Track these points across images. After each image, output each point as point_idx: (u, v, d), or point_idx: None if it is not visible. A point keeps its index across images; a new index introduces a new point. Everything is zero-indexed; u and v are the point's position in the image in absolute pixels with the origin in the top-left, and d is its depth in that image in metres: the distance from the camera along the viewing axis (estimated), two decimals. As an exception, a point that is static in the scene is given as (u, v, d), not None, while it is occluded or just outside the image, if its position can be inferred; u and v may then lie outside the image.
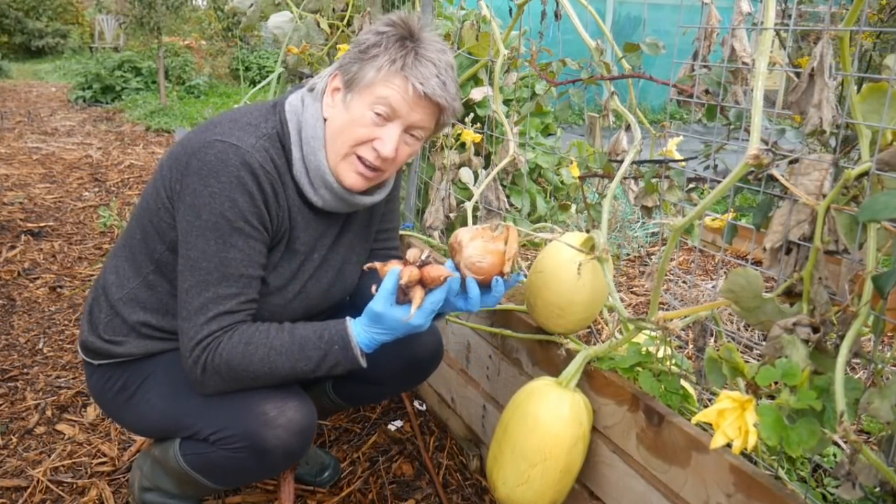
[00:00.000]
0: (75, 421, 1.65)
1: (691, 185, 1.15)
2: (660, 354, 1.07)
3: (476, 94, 1.52)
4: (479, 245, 0.97)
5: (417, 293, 0.94)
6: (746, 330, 1.85)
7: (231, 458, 1.01)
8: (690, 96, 1.06)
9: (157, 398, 1.09)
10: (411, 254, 0.96)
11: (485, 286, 1.00)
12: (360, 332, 0.98)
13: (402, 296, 0.95)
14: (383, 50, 0.97)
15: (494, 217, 1.46)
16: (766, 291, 0.87)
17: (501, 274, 0.98)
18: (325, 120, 1.04)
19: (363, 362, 0.99)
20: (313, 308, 1.14)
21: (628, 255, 2.60)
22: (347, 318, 0.99)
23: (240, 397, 1.00)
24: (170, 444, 1.09)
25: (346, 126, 1.00)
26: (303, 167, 1.04)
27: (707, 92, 1.04)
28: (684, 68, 1.11)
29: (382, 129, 0.99)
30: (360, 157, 1.02)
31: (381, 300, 0.95)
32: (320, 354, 0.97)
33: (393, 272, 0.95)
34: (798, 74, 0.86)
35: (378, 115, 0.98)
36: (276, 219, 1.02)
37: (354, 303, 1.23)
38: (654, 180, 1.16)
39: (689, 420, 0.96)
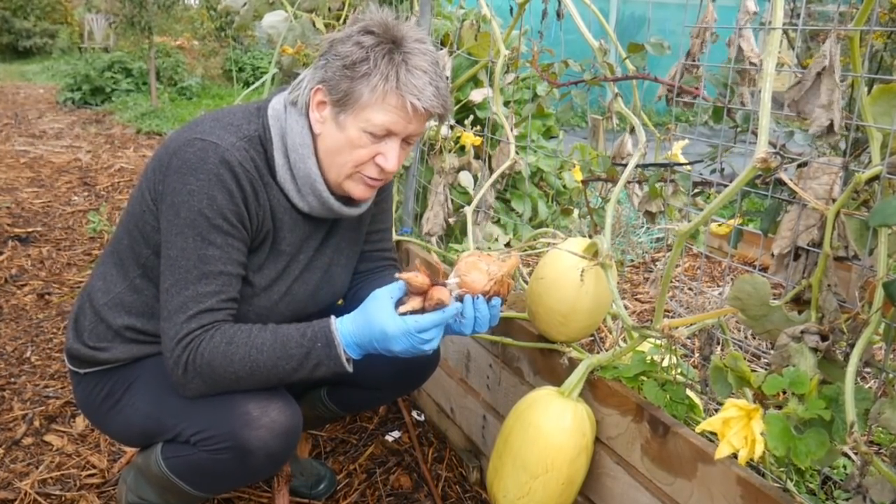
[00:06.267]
0: (64, 432, 1.62)
1: (697, 190, 1.13)
2: (665, 363, 1.05)
3: (476, 95, 1.50)
4: (471, 261, 0.97)
5: (413, 301, 0.93)
6: (754, 338, 1.84)
7: (212, 461, 0.99)
8: (681, 94, 1.04)
9: (141, 401, 1.08)
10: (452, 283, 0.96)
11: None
12: (343, 330, 0.96)
13: (399, 304, 0.95)
14: (373, 67, 0.95)
15: (484, 218, 1.44)
16: (774, 298, 0.85)
17: (485, 294, 0.96)
18: (312, 132, 1.03)
19: (347, 365, 0.96)
20: (301, 311, 1.13)
21: (632, 261, 2.58)
22: (332, 316, 0.98)
23: (223, 397, 0.99)
24: (152, 449, 1.08)
25: (345, 147, 1.00)
26: (288, 173, 1.04)
27: (694, 88, 1.01)
28: (676, 67, 1.09)
29: (382, 145, 1.00)
30: (364, 174, 1.03)
31: (382, 295, 0.95)
32: (303, 352, 0.95)
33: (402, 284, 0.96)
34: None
35: (375, 135, 0.98)
36: (256, 218, 1.01)
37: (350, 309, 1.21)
38: (658, 184, 1.14)
39: (695, 431, 0.94)
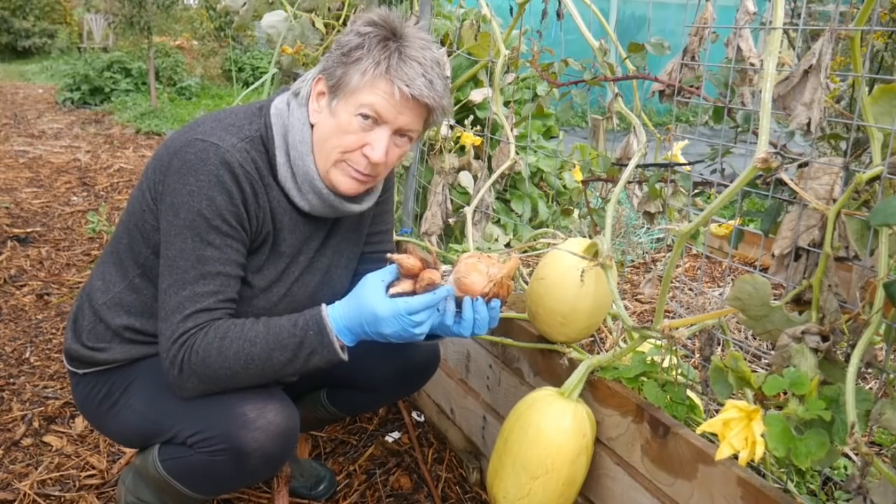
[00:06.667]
0: (63, 432, 1.61)
1: (697, 190, 1.13)
2: (665, 364, 1.05)
3: (476, 95, 1.50)
4: (471, 262, 0.96)
5: (403, 283, 0.93)
6: (755, 339, 1.84)
7: (209, 462, 0.99)
8: (678, 92, 1.04)
9: (138, 403, 1.07)
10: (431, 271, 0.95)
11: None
12: (335, 315, 0.96)
13: (390, 287, 0.94)
14: (366, 52, 0.95)
15: (483, 219, 1.44)
16: (775, 299, 0.85)
17: (484, 296, 0.95)
18: (312, 126, 1.03)
19: (341, 353, 0.96)
20: None
21: (633, 261, 2.58)
22: (323, 304, 0.98)
23: (220, 399, 0.99)
24: (150, 450, 1.07)
25: (334, 133, 0.99)
26: (289, 172, 1.03)
27: (692, 87, 1.01)
28: (672, 64, 1.08)
29: (371, 135, 0.98)
30: (351, 164, 1.01)
31: (373, 278, 0.95)
32: (296, 341, 0.95)
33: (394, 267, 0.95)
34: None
35: (365, 120, 0.97)
36: (256, 219, 1.01)
37: None
38: (658, 185, 1.14)
39: (696, 432, 0.94)
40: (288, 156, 1.03)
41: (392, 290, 0.93)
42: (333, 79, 0.98)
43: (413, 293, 0.93)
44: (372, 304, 0.92)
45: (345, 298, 0.98)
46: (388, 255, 0.95)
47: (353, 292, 0.97)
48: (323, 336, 0.94)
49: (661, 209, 1.15)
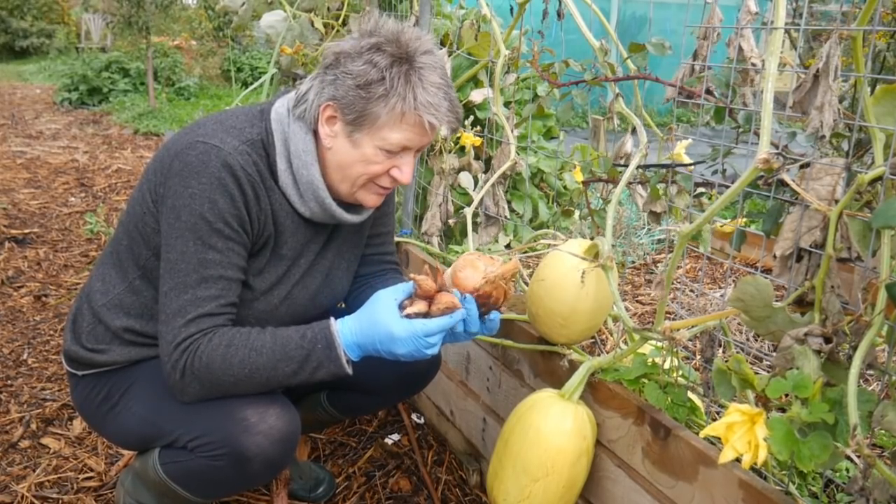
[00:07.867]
0: (61, 434, 1.61)
1: (699, 191, 1.12)
2: (666, 366, 1.05)
3: (476, 96, 1.49)
4: (469, 259, 0.97)
5: (418, 304, 0.93)
6: (756, 340, 1.83)
7: (210, 467, 0.99)
8: (690, 96, 1.04)
9: (138, 406, 1.07)
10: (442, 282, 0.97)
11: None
12: (344, 331, 0.96)
13: (402, 308, 0.95)
14: (390, 88, 0.95)
15: (493, 224, 1.43)
16: (777, 300, 0.85)
17: (475, 291, 0.96)
18: (315, 140, 1.03)
19: (347, 367, 0.96)
20: (301, 315, 1.13)
21: (633, 262, 2.58)
22: (331, 318, 0.98)
23: (221, 403, 0.99)
24: (150, 454, 1.07)
25: (359, 162, 1.01)
26: (290, 178, 1.04)
27: (709, 92, 1.01)
28: (683, 68, 1.08)
29: (397, 159, 1.01)
30: (377, 183, 1.04)
31: (386, 296, 0.95)
32: (303, 354, 0.95)
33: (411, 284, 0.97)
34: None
35: (390, 152, 0.99)
36: (258, 222, 1.01)
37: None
38: (660, 185, 1.13)
39: (697, 433, 0.94)
40: (289, 162, 1.03)
41: (408, 311, 0.93)
42: (353, 112, 0.97)
43: (427, 314, 0.93)
44: (388, 324, 0.93)
45: (355, 314, 0.97)
46: (411, 275, 0.96)
47: (365, 309, 0.97)
48: (331, 350, 0.95)
49: (666, 209, 1.15)
